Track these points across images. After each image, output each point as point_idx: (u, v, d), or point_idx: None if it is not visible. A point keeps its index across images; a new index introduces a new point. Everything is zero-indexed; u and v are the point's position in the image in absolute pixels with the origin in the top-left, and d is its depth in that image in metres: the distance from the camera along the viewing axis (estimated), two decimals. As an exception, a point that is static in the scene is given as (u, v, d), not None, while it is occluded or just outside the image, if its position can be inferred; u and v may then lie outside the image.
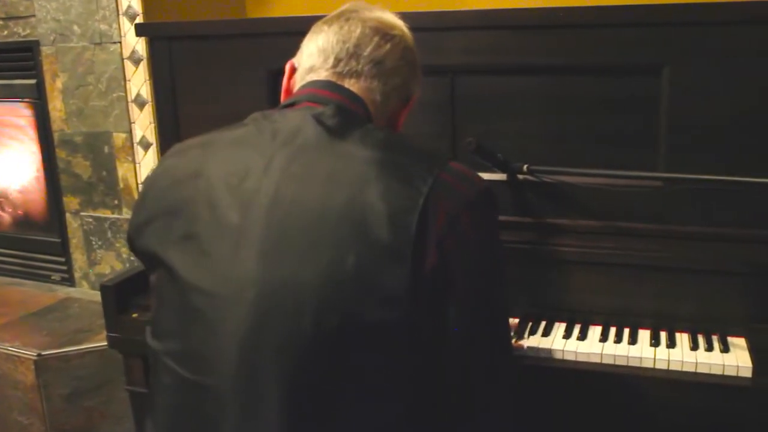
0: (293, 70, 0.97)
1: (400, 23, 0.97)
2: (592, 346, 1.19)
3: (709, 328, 1.21)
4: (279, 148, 0.80)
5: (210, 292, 0.77)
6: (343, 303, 0.73)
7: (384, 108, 0.93)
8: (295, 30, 1.43)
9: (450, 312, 0.77)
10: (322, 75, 0.91)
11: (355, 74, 0.90)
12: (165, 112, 1.56)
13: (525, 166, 1.29)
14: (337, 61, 0.90)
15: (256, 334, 0.74)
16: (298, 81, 0.95)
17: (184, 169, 0.85)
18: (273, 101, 1.47)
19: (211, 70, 1.51)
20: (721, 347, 1.16)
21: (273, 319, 0.74)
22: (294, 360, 0.74)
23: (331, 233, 0.74)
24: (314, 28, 0.96)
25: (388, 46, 0.92)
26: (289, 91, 0.97)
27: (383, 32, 0.92)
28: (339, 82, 0.90)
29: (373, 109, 0.91)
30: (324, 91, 0.89)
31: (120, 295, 1.43)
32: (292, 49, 1.42)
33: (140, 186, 1.99)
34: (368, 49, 0.91)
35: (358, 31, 0.91)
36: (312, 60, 0.93)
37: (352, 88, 0.90)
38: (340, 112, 0.84)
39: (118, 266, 2.07)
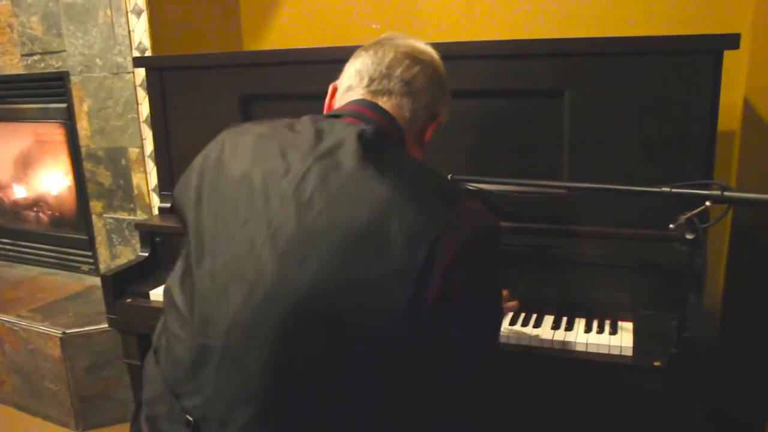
0: (335, 90, 0.93)
1: (430, 50, 0.93)
2: (503, 329, 1.17)
3: (603, 313, 1.20)
4: (320, 158, 0.76)
5: (228, 270, 0.74)
6: (347, 308, 0.71)
7: (412, 124, 0.89)
8: (260, 62, 1.46)
9: (447, 329, 0.74)
10: (359, 93, 0.88)
11: (387, 92, 0.87)
12: (158, 130, 1.56)
13: (449, 176, 1.28)
14: (371, 80, 0.87)
15: (258, 316, 0.72)
16: (338, 100, 0.92)
17: (231, 153, 0.81)
18: (245, 121, 1.46)
19: (194, 95, 1.51)
20: (611, 330, 1.14)
21: (275, 309, 0.71)
22: (287, 352, 0.71)
23: (350, 248, 0.71)
24: (355, 54, 0.92)
25: (417, 68, 0.88)
26: (330, 107, 0.93)
27: (413, 56, 0.89)
28: (374, 101, 0.87)
29: (403, 124, 0.87)
30: (367, 111, 0.85)
31: (117, 284, 1.44)
32: (259, 79, 1.44)
33: (153, 187, 2.00)
34: (399, 71, 0.87)
35: (391, 55, 0.88)
36: (350, 80, 0.90)
37: (384, 106, 0.86)
38: (378, 134, 0.80)
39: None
